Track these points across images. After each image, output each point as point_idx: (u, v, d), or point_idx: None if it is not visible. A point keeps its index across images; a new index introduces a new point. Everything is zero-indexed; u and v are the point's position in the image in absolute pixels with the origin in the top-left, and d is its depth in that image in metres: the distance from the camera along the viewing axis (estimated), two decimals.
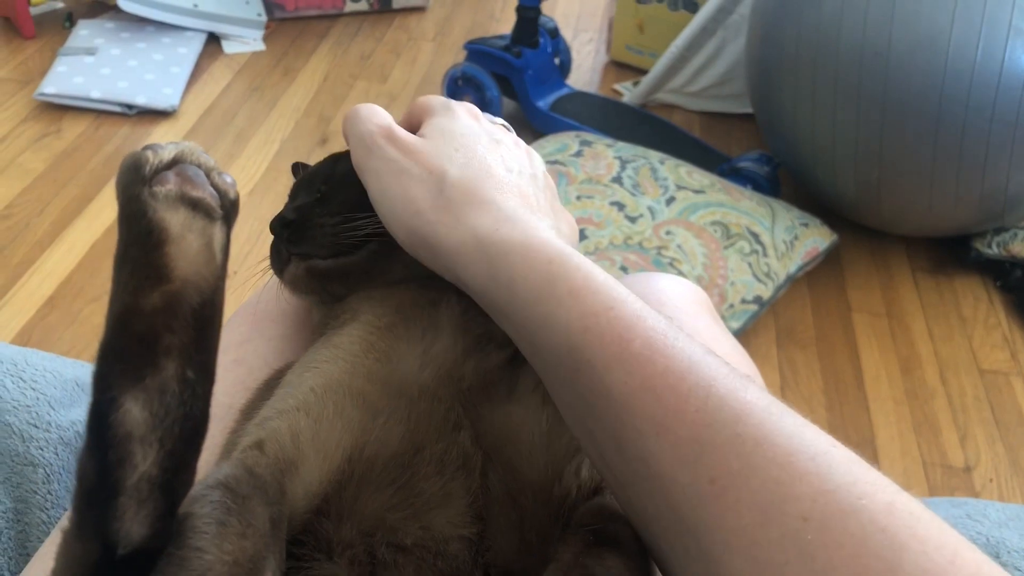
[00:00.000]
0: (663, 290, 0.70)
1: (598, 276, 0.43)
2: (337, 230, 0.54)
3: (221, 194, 0.38)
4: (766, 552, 0.34)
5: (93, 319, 1.68)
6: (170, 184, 0.36)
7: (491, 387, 0.48)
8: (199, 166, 0.38)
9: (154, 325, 0.34)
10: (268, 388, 0.52)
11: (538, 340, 0.43)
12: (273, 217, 0.56)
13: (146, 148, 0.37)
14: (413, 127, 0.57)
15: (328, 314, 0.55)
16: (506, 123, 0.64)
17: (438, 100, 0.58)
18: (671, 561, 0.39)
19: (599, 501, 0.45)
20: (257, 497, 0.39)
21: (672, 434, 0.37)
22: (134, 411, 0.33)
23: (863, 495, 0.34)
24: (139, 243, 0.35)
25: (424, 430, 0.45)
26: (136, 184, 0.36)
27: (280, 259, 0.57)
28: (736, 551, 0.35)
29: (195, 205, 0.36)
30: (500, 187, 0.50)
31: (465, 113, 0.57)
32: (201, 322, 0.35)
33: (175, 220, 0.36)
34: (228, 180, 0.39)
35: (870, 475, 0.36)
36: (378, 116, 0.55)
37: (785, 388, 1.66)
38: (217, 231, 0.37)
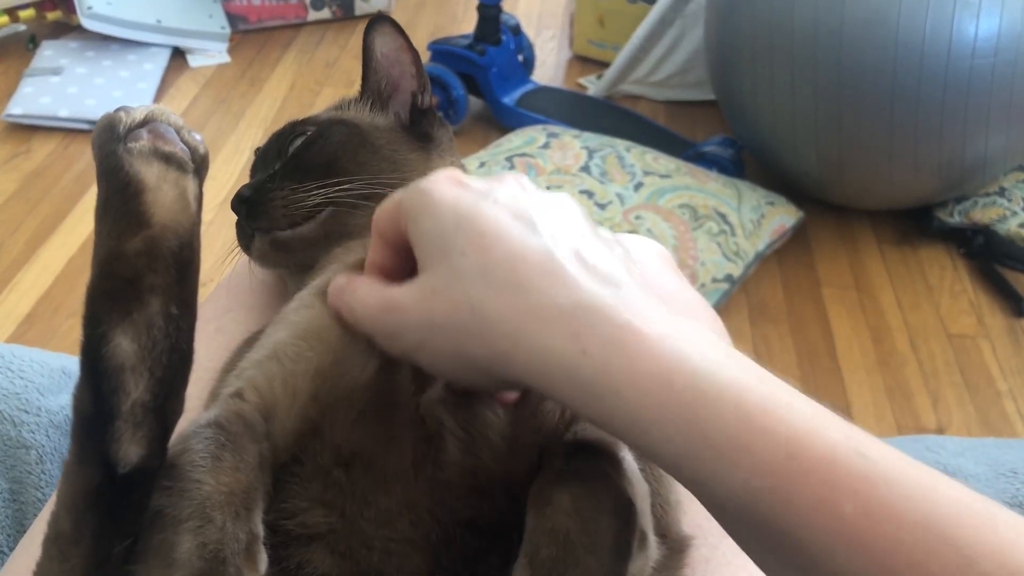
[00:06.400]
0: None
1: (753, 400, 0.34)
2: (288, 202, 0.57)
3: (191, 149, 0.41)
4: None
5: (73, 334, 1.69)
6: (143, 140, 0.39)
7: None
8: (169, 124, 0.41)
9: (137, 266, 0.37)
10: (246, 347, 0.54)
11: (694, 490, 0.36)
12: (232, 197, 0.59)
13: (119, 109, 0.40)
14: (394, 240, 0.45)
15: (305, 277, 0.57)
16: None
17: (386, 207, 0.44)
18: None
19: (568, 436, 0.46)
20: (247, 435, 0.42)
21: None
22: (124, 344, 0.36)
23: None
24: (118, 194, 0.38)
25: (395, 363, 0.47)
26: (112, 142, 0.39)
27: (245, 235, 0.60)
28: None
29: (168, 159, 0.39)
30: (551, 274, 0.38)
31: (441, 185, 0.42)
32: (181, 262, 0.38)
33: (150, 172, 0.38)
34: (197, 137, 0.42)
35: None
36: (359, 296, 0.44)
37: (760, 363, 1.69)
38: (190, 182, 0.40)
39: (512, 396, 0.46)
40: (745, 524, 0.34)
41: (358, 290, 0.45)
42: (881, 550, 0.31)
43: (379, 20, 0.61)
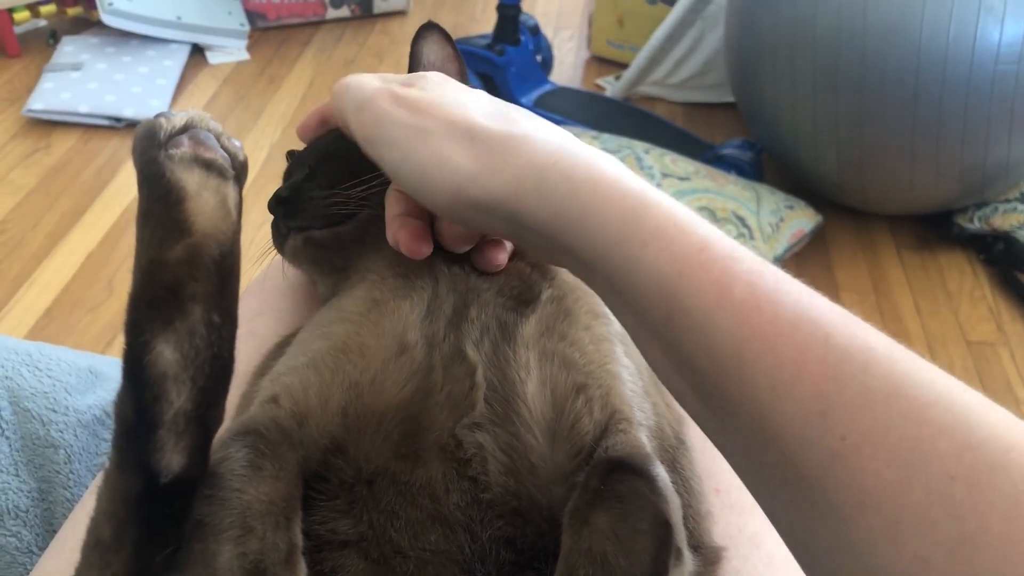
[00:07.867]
0: None
1: (680, 211, 0.40)
2: (328, 201, 0.56)
3: (231, 156, 0.41)
4: (910, 513, 0.31)
5: (92, 329, 1.70)
6: (184, 147, 0.39)
7: (493, 332, 0.50)
8: (209, 131, 0.41)
9: (179, 275, 0.37)
10: (278, 351, 0.54)
11: (620, 282, 0.40)
12: (269, 198, 0.59)
13: (159, 116, 0.40)
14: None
15: (338, 281, 0.57)
16: None
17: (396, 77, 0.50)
18: (789, 513, 0.36)
19: (599, 456, 0.46)
20: (285, 443, 0.42)
21: (793, 389, 0.34)
22: (166, 353, 0.36)
23: (1011, 447, 0.31)
24: (160, 201, 0.38)
25: (428, 379, 0.47)
26: (153, 148, 0.39)
27: (280, 234, 0.60)
28: (874, 510, 0.32)
29: (209, 166, 0.39)
30: (533, 119, 0.45)
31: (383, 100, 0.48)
32: (222, 271, 0.38)
33: (191, 179, 0.38)
34: (236, 144, 0.42)
35: (1010, 422, 0.33)
36: (374, 80, 0.48)
37: None
38: (230, 189, 0.40)
39: (500, 259, 0.52)
40: (654, 306, 0.39)
41: (364, 75, 0.50)
42: (759, 320, 0.35)
43: (428, 28, 0.61)
